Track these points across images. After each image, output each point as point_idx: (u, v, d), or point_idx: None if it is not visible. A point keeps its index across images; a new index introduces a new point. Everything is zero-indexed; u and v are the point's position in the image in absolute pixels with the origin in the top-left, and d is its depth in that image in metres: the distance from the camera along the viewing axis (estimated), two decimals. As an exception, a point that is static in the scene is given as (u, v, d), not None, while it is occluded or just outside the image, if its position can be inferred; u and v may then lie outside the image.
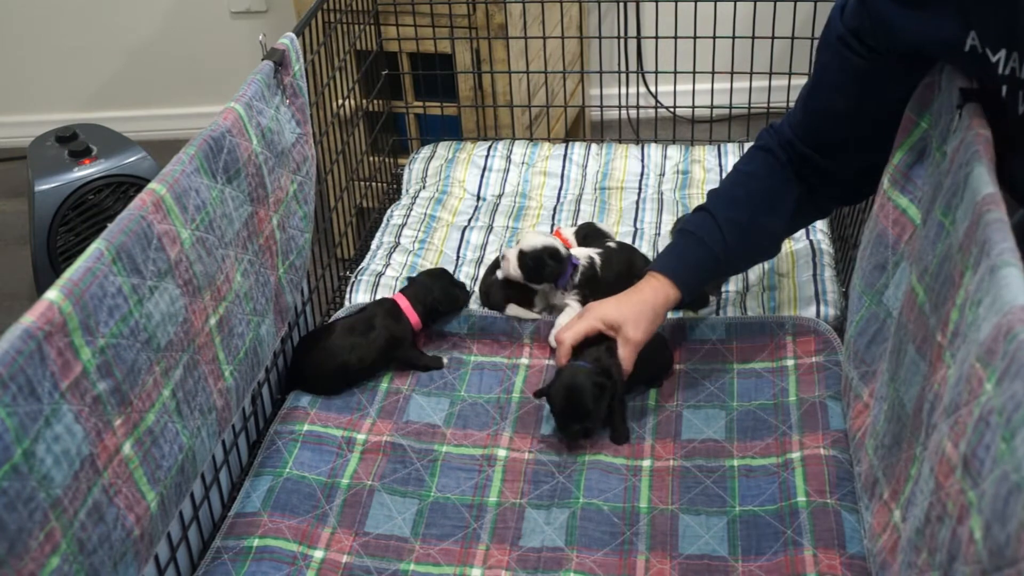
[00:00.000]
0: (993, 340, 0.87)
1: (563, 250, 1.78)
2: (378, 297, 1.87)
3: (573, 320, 1.64)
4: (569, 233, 1.94)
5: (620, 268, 1.82)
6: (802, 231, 1.99)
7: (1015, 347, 0.82)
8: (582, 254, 1.81)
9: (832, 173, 1.55)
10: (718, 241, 1.59)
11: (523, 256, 1.76)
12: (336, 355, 1.70)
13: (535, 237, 1.79)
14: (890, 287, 1.41)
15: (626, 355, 1.57)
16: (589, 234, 1.93)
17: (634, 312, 1.58)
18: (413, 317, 1.75)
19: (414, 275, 1.85)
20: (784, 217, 1.61)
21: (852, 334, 1.51)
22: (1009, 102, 1.20)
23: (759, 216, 1.60)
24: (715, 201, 1.63)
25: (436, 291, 1.77)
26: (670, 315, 1.80)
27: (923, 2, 1.25)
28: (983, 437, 0.85)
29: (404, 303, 1.76)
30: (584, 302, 1.75)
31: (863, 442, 1.41)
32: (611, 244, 1.87)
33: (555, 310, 1.83)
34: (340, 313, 1.87)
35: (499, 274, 1.83)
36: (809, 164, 1.56)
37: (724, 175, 2.23)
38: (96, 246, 1.14)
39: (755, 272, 1.91)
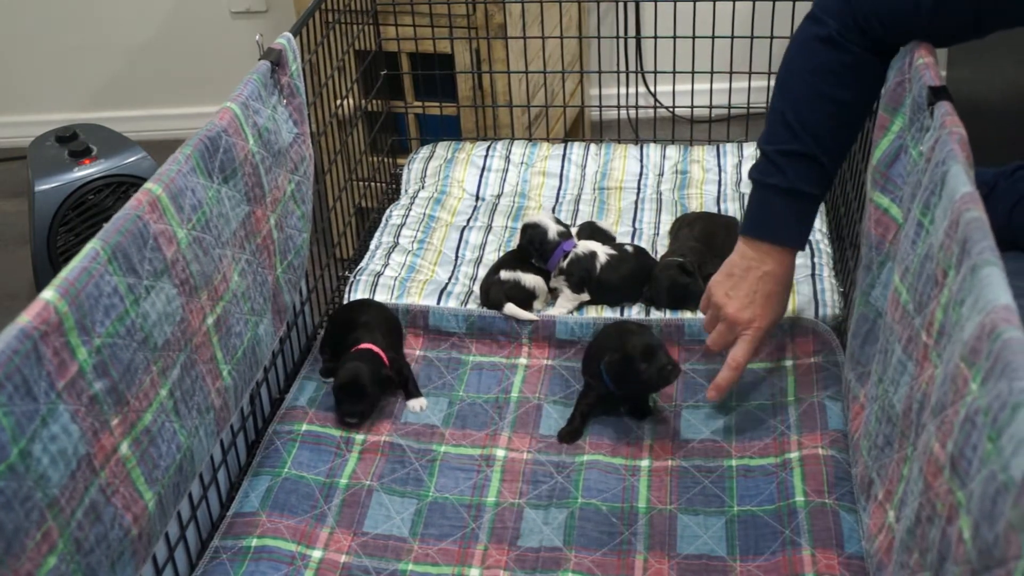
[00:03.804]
0: (977, 340, 0.87)
1: (553, 233, 1.85)
2: (376, 298, 1.88)
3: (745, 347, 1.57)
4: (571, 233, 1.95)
5: (628, 272, 1.84)
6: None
7: (999, 346, 0.82)
8: (583, 246, 1.85)
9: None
10: (827, 185, 1.50)
11: (522, 228, 1.90)
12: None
13: (536, 215, 1.92)
14: (876, 287, 1.41)
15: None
16: (594, 234, 1.94)
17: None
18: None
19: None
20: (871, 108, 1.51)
21: (849, 335, 1.51)
22: None
23: (860, 128, 1.51)
24: (821, 143, 1.45)
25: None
26: (668, 315, 1.81)
27: None
28: (970, 437, 0.85)
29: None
30: (575, 288, 1.84)
31: (859, 443, 1.41)
32: (628, 247, 1.88)
33: (556, 295, 1.89)
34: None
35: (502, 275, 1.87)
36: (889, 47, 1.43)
37: (725, 174, 2.24)
38: (92, 246, 1.14)
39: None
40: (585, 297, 1.85)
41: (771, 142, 1.48)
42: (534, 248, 1.85)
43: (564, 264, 1.84)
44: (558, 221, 1.89)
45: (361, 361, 1.66)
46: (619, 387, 1.58)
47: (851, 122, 1.48)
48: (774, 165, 1.48)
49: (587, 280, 1.83)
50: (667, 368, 1.53)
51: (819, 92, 1.43)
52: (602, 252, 1.84)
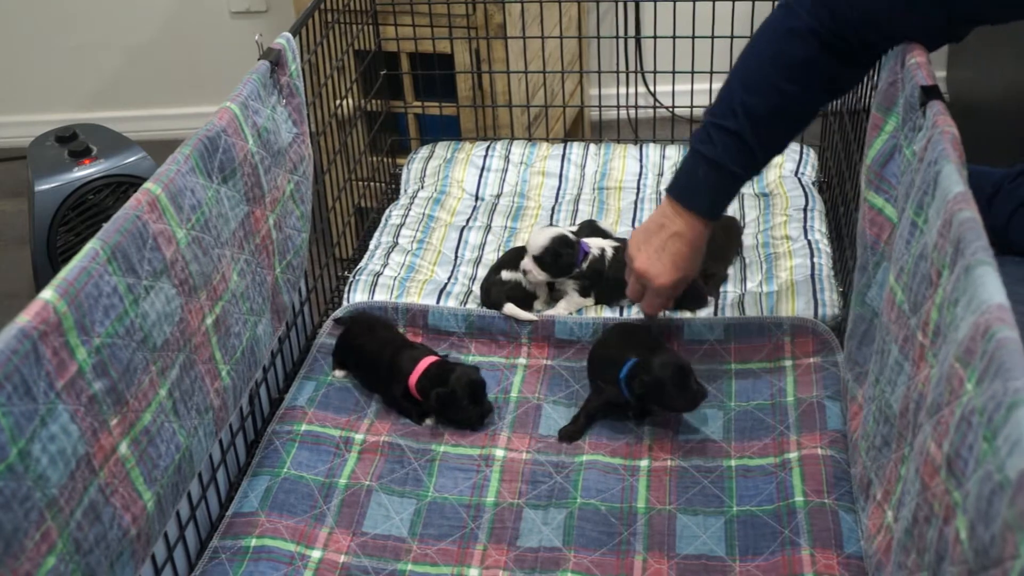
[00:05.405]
0: (971, 340, 0.87)
1: (572, 237, 1.81)
2: (376, 298, 1.88)
3: (654, 298, 1.63)
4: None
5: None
6: (800, 231, 1.99)
7: (993, 346, 0.82)
8: (594, 244, 1.84)
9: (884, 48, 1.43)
10: (753, 169, 1.53)
11: (538, 258, 1.79)
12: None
13: (541, 234, 1.80)
14: (872, 287, 1.41)
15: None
16: (593, 232, 1.94)
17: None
18: (413, 377, 1.65)
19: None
20: (824, 104, 1.54)
21: (846, 336, 1.52)
22: None
23: (800, 127, 1.53)
24: (756, 129, 1.47)
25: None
26: (668, 315, 1.80)
27: None
28: (965, 437, 0.85)
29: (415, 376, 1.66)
30: (584, 292, 1.82)
31: (857, 443, 1.41)
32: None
33: (556, 297, 1.86)
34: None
35: (524, 280, 1.83)
36: (865, 49, 1.42)
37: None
38: (91, 246, 1.14)
39: (753, 272, 1.91)
40: (589, 302, 1.84)
41: (713, 113, 1.52)
42: (566, 262, 1.79)
43: (584, 267, 1.81)
44: (550, 227, 1.88)
45: (459, 366, 1.66)
46: (644, 404, 1.59)
47: (792, 117, 1.50)
48: (708, 136, 1.51)
49: (597, 282, 1.82)
50: (698, 395, 1.55)
51: (769, 81, 1.46)
52: (608, 248, 1.84)
